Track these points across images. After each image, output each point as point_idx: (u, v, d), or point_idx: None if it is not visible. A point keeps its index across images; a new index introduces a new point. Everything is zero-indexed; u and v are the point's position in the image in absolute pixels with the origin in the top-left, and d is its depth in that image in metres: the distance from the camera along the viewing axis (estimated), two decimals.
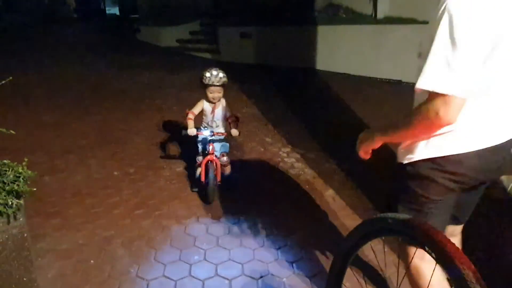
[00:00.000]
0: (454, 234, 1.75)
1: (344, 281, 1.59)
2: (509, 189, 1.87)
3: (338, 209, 3.07)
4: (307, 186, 3.46)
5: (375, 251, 1.88)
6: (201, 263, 2.48)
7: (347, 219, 2.91)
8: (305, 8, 8.39)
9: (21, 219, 1.82)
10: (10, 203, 1.74)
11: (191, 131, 3.07)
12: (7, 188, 1.77)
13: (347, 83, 6.97)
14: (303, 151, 4.16)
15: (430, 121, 1.23)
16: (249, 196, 3.28)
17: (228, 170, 3.40)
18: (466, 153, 1.33)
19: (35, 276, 1.94)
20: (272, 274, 2.37)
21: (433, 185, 1.42)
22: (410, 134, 1.37)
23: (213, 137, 3.14)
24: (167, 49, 11.04)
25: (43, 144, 4.43)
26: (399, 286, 1.56)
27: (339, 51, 7.51)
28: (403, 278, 1.56)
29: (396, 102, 5.05)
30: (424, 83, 1.21)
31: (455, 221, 1.65)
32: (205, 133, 3.13)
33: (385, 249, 2.17)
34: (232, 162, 3.46)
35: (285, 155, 4.11)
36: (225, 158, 3.28)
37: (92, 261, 2.50)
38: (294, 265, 2.45)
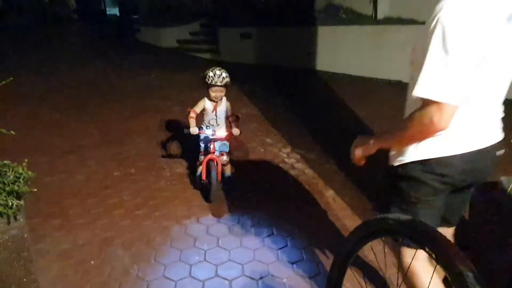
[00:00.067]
0: None
1: (345, 281, 1.59)
2: (509, 190, 1.87)
3: (338, 210, 3.07)
4: (307, 187, 3.46)
5: (375, 252, 1.87)
6: (201, 263, 2.48)
7: (347, 220, 2.91)
8: (305, 8, 8.38)
9: (21, 219, 1.82)
10: (10, 203, 1.74)
11: (193, 130, 3.08)
12: (7, 188, 1.77)
13: (347, 83, 6.97)
14: (304, 151, 4.16)
15: (425, 126, 1.30)
16: (249, 197, 3.28)
17: (228, 170, 3.41)
18: (454, 155, 1.40)
19: (35, 276, 1.94)
20: (273, 275, 2.37)
21: (422, 186, 1.49)
22: (405, 139, 1.43)
23: (214, 136, 3.15)
24: (167, 50, 11.05)
25: (43, 145, 4.44)
26: (399, 286, 1.56)
27: (339, 51, 7.50)
28: (403, 278, 1.56)
29: (396, 103, 5.02)
30: (420, 91, 1.27)
31: (446, 223, 1.69)
32: (207, 132, 3.15)
33: (386, 250, 2.17)
34: (232, 163, 3.46)
35: (285, 155, 4.11)
36: (224, 157, 3.29)
37: (92, 261, 2.50)
38: (294, 265, 2.45)
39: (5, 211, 1.73)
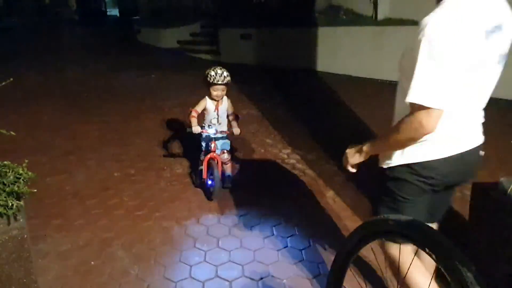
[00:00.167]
0: None
1: (345, 282, 1.59)
2: (509, 190, 1.87)
3: (338, 210, 3.06)
4: (307, 188, 3.46)
5: (375, 252, 1.87)
6: (201, 264, 2.48)
7: (347, 220, 2.91)
8: (306, 9, 8.39)
9: (21, 220, 1.82)
10: (10, 204, 1.74)
11: (196, 128, 3.11)
12: (7, 189, 1.77)
13: (348, 84, 6.97)
14: (304, 152, 4.15)
15: (414, 130, 1.42)
16: (249, 198, 3.28)
17: (229, 169, 3.43)
18: (438, 159, 1.53)
19: (35, 277, 1.94)
20: (273, 276, 2.36)
21: (409, 187, 1.60)
22: (397, 143, 1.54)
23: (216, 135, 3.18)
24: (167, 50, 11.05)
25: (43, 145, 4.44)
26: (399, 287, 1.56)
27: (340, 52, 7.50)
28: (403, 279, 1.56)
29: None
30: (411, 97, 1.38)
31: (429, 219, 1.77)
32: (210, 131, 3.17)
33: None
34: (232, 163, 3.47)
35: (285, 156, 4.11)
36: (225, 155, 3.32)
37: (92, 262, 2.50)
38: (294, 266, 2.45)
39: (5, 211, 1.73)
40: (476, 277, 1.06)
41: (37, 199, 2.95)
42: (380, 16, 7.15)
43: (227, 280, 2.33)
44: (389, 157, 1.63)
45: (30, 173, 1.89)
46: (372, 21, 7.25)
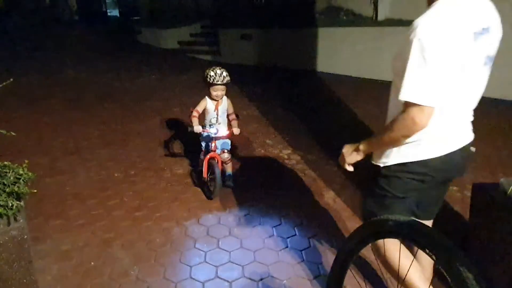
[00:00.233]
0: None
1: (345, 282, 1.59)
2: (509, 191, 1.87)
3: (338, 211, 3.06)
4: (308, 188, 3.46)
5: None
6: (201, 265, 2.48)
7: (347, 221, 2.91)
8: (306, 10, 8.39)
9: (21, 220, 1.83)
10: (10, 204, 1.74)
11: (197, 128, 3.15)
12: (7, 189, 1.77)
13: (348, 85, 6.97)
14: (304, 153, 4.15)
15: (408, 127, 1.47)
16: (250, 198, 3.28)
17: (230, 168, 3.44)
18: (433, 158, 1.59)
19: (35, 277, 1.94)
20: (273, 276, 2.36)
21: (400, 184, 1.67)
22: (392, 141, 1.58)
23: (216, 135, 3.22)
24: (168, 51, 11.06)
25: (43, 146, 4.44)
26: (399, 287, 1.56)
27: (340, 53, 7.50)
28: (403, 280, 1.56)
29: None
30: (404, 95, 1.45)
31: (424, 216, 1.83)
32: (211, 131, 3.21)
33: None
34: (232, 163, 3.48)
35: (285, 157, 4.11)
36: (226, 155, 3.34)
37: (92, 263, 2.50)
38: (295, 267, 2.45)
39: (5, 212, 1.73)
40: (477, 278, 1.06)
41: (37, 200, 2.95)
42: (380, 17, 7.15)
43: (227, 281, 2.33)
44: (385, 156, 1.68)
45: (30, 173, 1.89)
46: (372, 21, 7.24)
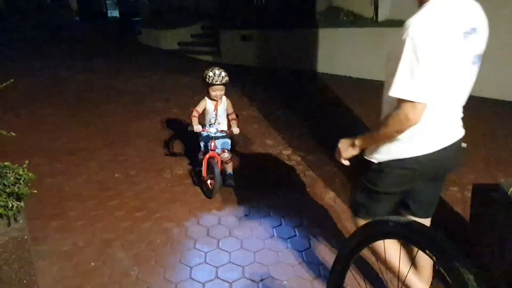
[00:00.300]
0: None
1: (345, 283, 1.59)
2: (509, 192, 1.87)
3: (339, 212, 3.06)
4: (308, 189, 3.46)
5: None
6: (201, 265, 2.48)
7: (348, 222, 2.90)
8: (306, 11, 8.39)
9: (21, 221, 1.83)
10: (10, 205, 1.75)
11: (197, 127, 3.18)
12: (7, 190, 1.77)
13: (348, 85, 6.97)
14: (304, 153, 4.15)
15: (401, 122, 1.53)
16: (250, 199, 3.28)
17: (230, 167, 3.46)
18: (426, 154, 1.63)
19: (35, 278, 1.94)
20: (273, 277, 2.36)
21: (390, 178, 1.73)
22: (386, 136, 1.63)
23: (216, 134, 3.24)
24: (168, 52, 11.06)
25: (43, 147, 4.44)
26: None
27: (340, 53, 7.50)
28: (403, 280, 1.56)
29: None
30: (395, 92, 1.50)
31: (421, 215, 1.88)
32: (211, 130, 3.24)
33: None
34: (233, 164, 3.48)
35: (286, 157, 4.11)
36: (226, 154, 3.36)
37: (92, 263, 2.50)
38: (295, 267, 2.45)
39: (6, 212, 1.73)
40: (477, 279, 1.05)
41: (38, 200, 2.95)
42: (381, 18, 7.15)
43: (228, 282, 2.33)
44: (377, 152, 1.73)
45: (30, 174, 1.89)
46: (373, 22, 7.24)
